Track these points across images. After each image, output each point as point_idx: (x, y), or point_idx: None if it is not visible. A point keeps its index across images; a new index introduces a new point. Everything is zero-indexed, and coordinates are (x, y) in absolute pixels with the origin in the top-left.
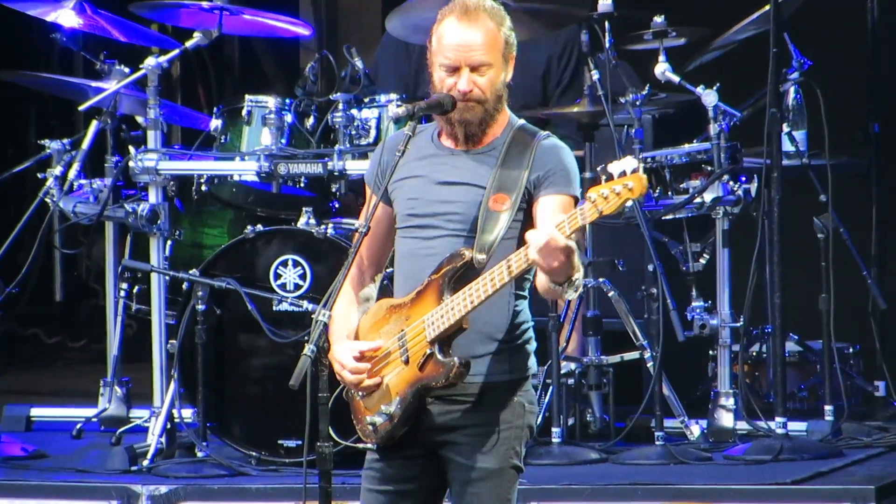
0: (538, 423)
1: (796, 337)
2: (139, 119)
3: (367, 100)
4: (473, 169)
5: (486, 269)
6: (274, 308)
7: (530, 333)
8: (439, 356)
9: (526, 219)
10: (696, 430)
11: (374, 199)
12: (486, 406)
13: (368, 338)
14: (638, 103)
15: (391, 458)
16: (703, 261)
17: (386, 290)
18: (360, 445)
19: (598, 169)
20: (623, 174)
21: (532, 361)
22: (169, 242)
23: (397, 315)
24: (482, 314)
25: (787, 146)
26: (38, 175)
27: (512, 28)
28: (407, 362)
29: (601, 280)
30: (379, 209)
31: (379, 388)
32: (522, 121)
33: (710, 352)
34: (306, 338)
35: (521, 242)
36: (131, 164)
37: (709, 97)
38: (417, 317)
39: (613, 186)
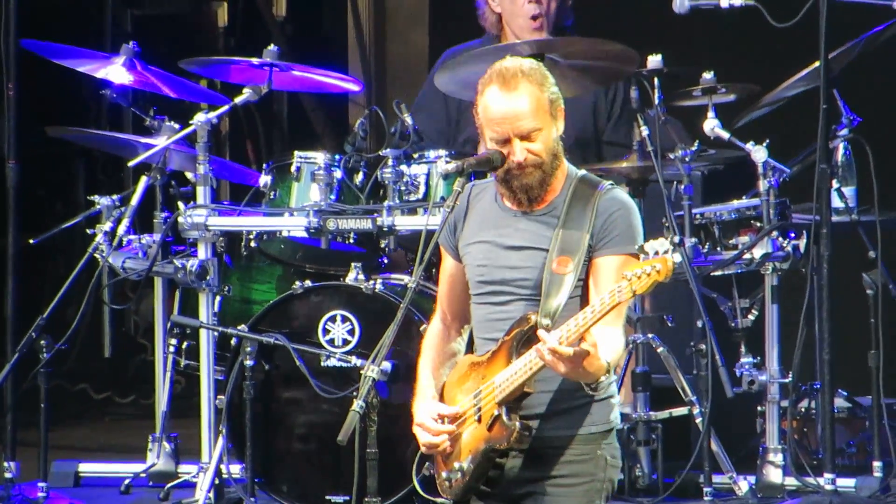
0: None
1: (845, 393)
2: (189, 175)
3: (416, 156)
4: (537, 231)
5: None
6: (322, 363)
7: (613, 388)
8: (505, 419)
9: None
10: (744, 485)
11: (448, 257)
12: (570, 459)
13: (452, 393)
14: (687, 159)
15: None
16: (751, 317)
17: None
18: (439, 500)
19: (636, 247)
20: (656, 254)
21: (615, 414)
22: (218, 298)
23: (476, 373)
24: None
25: (837, 202)
26: (88, 231)
27: (554, 82)
28: (479, 421)
29: (650, 336)
30: (453, 266)
31: (456, 444)
32: (583, 171)
33: (759, 408)
34: (355, 393)
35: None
36: (180, 219)
37: (758, 153)
38: (491, 376)
39: (645, 267)
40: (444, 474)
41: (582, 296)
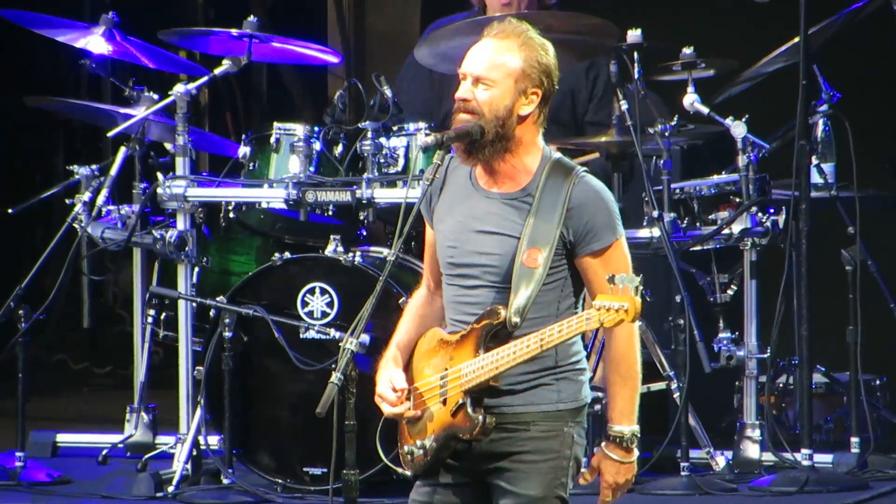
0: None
1: (823, 369)
2: (167, 146)
3: (395, 128)
4: (508, 216)
5: (521, 330)
6: (301, 336)
7: (583, 363)
8: (469, 409)
9: (569, 264)
10: (721, 461)
11: (429, 227)
12: (536, 435)
13: (420, 365)
14: (667, 134)
15: (438, 486)
16: (730, 292)
17: None
18: (400, 470)
19: (607, 277)
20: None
21: (585, 391)
22: (196, 269)
23: (444, 351)
24: None
25: (816, 178)
26: (67, 201)
27: (545, 66)
28: (444, 403)
29: None
30: (432, 236)
31: (421, 419)
32: (557, 154)
33: (737, 383)
34: (333, 365)
35: (561, 292)
36: (159, 190)
37: (738, 129)
38: (458, 360)
39: (614, 303)
40: (405, 448)
41: (556, 286)
